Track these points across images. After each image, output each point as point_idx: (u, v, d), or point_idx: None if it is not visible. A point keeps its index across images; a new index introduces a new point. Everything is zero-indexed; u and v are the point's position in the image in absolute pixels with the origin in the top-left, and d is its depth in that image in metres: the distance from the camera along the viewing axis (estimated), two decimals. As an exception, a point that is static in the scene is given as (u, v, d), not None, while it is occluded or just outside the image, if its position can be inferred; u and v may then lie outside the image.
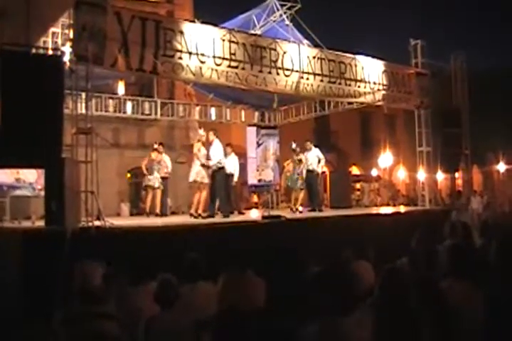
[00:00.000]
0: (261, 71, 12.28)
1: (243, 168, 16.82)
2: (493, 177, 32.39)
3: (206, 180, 12.59)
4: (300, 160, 14.89)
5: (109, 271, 5.32)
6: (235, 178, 15.00)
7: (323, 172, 17.27)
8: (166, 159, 14.89)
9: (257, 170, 18.05)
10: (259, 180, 18.20)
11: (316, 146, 15.37)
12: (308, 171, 14.90)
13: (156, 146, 14.88)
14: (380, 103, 15.29)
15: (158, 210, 14.25)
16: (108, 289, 4.99)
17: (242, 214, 15.00)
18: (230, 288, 5.68)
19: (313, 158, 14.99)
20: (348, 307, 4.11)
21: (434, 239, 6.99)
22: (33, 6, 16.83)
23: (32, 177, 11.93)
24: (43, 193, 9.87)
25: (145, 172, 14.52)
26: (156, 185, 14.45)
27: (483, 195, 22.69)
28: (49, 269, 7.11)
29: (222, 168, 12.91)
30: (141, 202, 17.95)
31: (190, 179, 12.84)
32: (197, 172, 12.64)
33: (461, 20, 70.31)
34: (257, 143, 18.53)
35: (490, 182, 31.88)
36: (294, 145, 15.16)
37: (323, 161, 15.28)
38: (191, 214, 12.60)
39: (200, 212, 12.43)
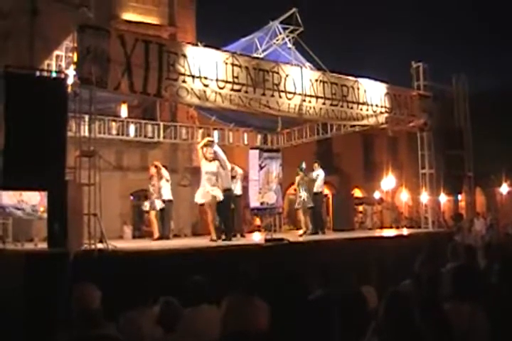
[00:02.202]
0: (264, 94, 12.32)
1: (245, 190, 16.78)
2: (496, 199, 32.32)
3: (218, 198, 12.29)
4: (312, 180, 14.87)
5: (110, 294, 5.28)
6: None
7: (326, 195, 17.25)
8: (164, 172, 14.66)
9: (260, 193, 17.98)
10: (262, 203, 18.12)
11: (322, 167, 15.37)
12: (315, 194, 14.87)
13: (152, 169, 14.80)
14: (383, 126, 15.31)
15: (156, 234, 14.11)
16: (108, 312, 4.96)
17: (244, 237, 14.90)
18: (233, 312, 5.62)
19: (320, 180, 15.00)
20: (355, 330, 4.09)
21: (437, 261, 6.97)
22: (37, 29, 17.03)
23: (35, 199, 11.91)
24: (45, 215, 9.87)
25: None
26: (158, 207, 14.36)
27: (486, 216, 22.64)
28: (51, 292, 7.08)
29: (229, 189, 12.87)
30: (143, 224, 17.91)
31: (198, 201, 12.59)
32: (204, 194, 12.33)
33: (461, 42, 70.77)
34: (260, 165, 18.50)
35: (493, 204, 31.79)
36: (303, 165, 15.12)
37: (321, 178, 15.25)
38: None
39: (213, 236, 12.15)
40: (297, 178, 15.15)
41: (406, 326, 4.21)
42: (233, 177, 14.25)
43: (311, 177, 14.94)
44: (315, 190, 14.90)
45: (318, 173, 15.10)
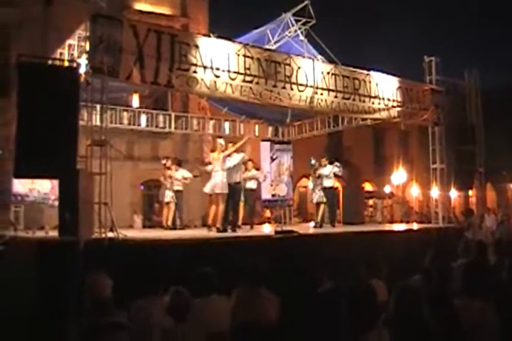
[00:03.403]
0: (275, 86, 12.29)
1: (259, 184, 16.76)
2: (507, 194, 32.25)
3: (225, 191, 12.39)
4: (319, 176, 14.86)
5: (120, 283, 5.30)
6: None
7: (336, 188, 17.20)
8: (177, 174, 14.82)
9: (271, 185, 17.99)
10: (273, 195, 18.13)
11: (330, 163, 15.31)
12: (324, 188, 14.85)
13: (163, 162, 14.91)
14: (396, 120, 15.25)
15: (169, 223, 14.28)
16: (119, 300, 4.98)
17: (253, 228, 14.93)
18: (243, 303, 5.65)
19: (329, 174, 14.95)
20: (365, 323, 4.09)
21: (447, 256, 6.95)
22: (49, 18, 17.02)
23: (46, 187, 11.97)
24: (56, 203, 9.92)
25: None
26: (166, 200, 14.54)
27: (497, 212, 22.56)
28: (62, 280, 7.12)
29: (239, 182, 12.89)
30: (154, 214, 17.97)
31: (207, 191, 12.67)
32: (214, 185, 12.39)
33: (472, 37, 70.37)
34: (271, 157, 18.50)
35: (504, 200, 31.71)
36: (313, 161, 15.11)
37: (339, 174, 15.24)
38: (208, 227, 12.52)
39: (218, 225, 12.30)
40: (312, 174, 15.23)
41: (415, 320, 4.22)
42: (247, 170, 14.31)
43: (323, 172, 14.89)
44: (326, 184, 14.85)
45: (331, 169, 15.01)
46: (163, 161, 15.01)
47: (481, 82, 17.49)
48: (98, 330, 4.08)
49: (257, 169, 15.42)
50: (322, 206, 14.95)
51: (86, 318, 4.46)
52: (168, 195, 14.50)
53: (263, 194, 18.66)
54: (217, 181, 12.24)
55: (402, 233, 13.98)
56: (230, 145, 12.83)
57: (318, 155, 15.69)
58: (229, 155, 12.61)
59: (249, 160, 14.53)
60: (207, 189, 12.53)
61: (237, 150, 12.86)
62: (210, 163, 12.82)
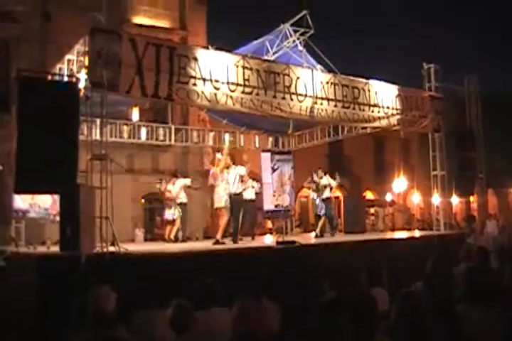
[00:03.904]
0: (275, 96, 12.33)
1: (258, 194, 16.76)
2: (508, 199, 32.22)
3: (224, 204, 12.51)
4: (320, 188, 14.95)
5: (122, 296, 5.30)
6: None
7: (337, 197, 17.25)
8: (176, 187, 14.91)
9: (274, 196, 17.98)
10: (276, 206, 18.13)
11: (325, 173, 15.40)
12: (323, 200, 14.92)
13: (158, 186, 15.19)
14: (396, 127, 15.27)
15: (172, 236, 14.31)
16: (121, 314, 4.98)
17: (254, 239, 14.96)
18: (244, 315, 5.64)
19: (326, 186, 15.02)
20: (367, 332, 4.09)
21: (449, 263, 6.95)
22: (48, 33, 17.17)
23: (47, 202, 11.98)
24: (58, 218, 9.92)
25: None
26: (171, 218, 14.64)
27: (498, 218, 22.52)
28: (64, 294, 7.11)
29: (239, 194, 12.93)
30: (155, 227, 17.97)
31: (216, 205, 12.79)
32: (215, 199, 12.58)
33: (473, 42, 70.48)
34: (272, 168, 18.50)
35: (505, 205, 31.66)
36: (315, 177, 15.16)
37: (333, 185, 15.30)
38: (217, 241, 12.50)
39: (217, 237, 12.31)
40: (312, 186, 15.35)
41: (418, 328, 4.21)
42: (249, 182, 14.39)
43: (323, 184, 14.96)
44: (324, 195, 14.93)
45: (329, 180, 15.10)
46: (158, 186, 15.15)
47: (481, 87, 17.55)
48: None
49: (254, 179, 15.41)
50: (323, 218, 15.02)
51: (88, 332, 4.46)
52: (173, 214, 14.58)
53: (265, 204, 18.64)
54: (218, 195, 12.39)
55: (404, 241, 13.97)
56: (228, 158, 12.91)
57: (318, 164, 15.78)
58: (227, 168, 12.68)
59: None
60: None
61: (235, 163, 12.90)
62: (213, 178, 12.94)
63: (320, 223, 15.09)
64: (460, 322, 4.55)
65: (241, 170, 12.92)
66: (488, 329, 4.59)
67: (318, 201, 15.10)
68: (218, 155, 13.18)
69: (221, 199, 12.42)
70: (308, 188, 15.96)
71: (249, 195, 14.86)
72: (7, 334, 7.12)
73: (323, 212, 14.95)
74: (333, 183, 15.15)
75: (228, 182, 12.58)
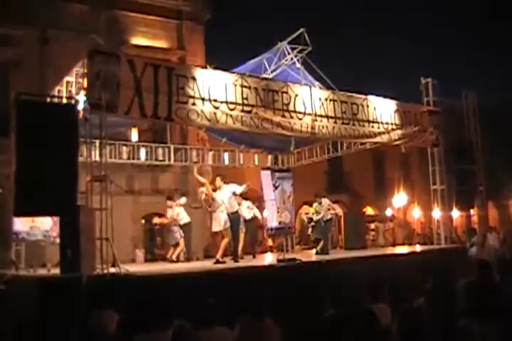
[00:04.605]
0: (275, 114, 12.37)
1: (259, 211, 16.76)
2: (509, 211, 32.17)
3: (220, 228, 12.61)
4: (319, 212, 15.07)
5: (123, 318, 5.28)
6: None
7: (337, 214, 17.33)
8: (180, 210, 15.01)
9: (277, 212, 17.97)
10: (280, 223, 18.11)
11: (323, 196, 15.71)
12: (324, 221, 14.99)
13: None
14: (395, 143, 15.29)
15: (174, 257, 14.32)
16: (122, 335, 4.95)
17: (255, 258, 14.96)
18: (246, 334, 5.62)
19: (326, 209, 15.11)
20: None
21: (450, 277, 6.93)
22: (47, 56, 17.26)
23: (47, 224, 11.97)
24: (58, 240, 9.91)
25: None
26: (173, 242, 14.75)
27: (499, 231, 22.46)
28: (64, 317, 7.08)
29: (236, 212, 12.93)
30: (155, 248, 17.94)
31: (213, 229, 12.87)
32: (218, 221, 12.70)
33: (470, 56, 70.81)
34: (274, 185, 18.48)
35: (506, 218, 31.61)
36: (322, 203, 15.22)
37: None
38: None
39: (217, 256, 12.35)
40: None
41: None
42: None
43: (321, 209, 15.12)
44: (324, 218, 15.06)
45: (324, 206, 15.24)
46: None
47: (479, 101, 17.62)
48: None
49: (246, 199, 15.43)
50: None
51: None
52: (177, 237, 14.64)
53: (269, 222, 18.59)
54: (216, 219, 12.70)
55: (405, 256, 13.95)
56: (218, 179, 13.25)
57: (318, 181, 15.78)
58: (219, 188, 12.78)
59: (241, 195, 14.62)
60: None
61: (227, 182, 13.07)
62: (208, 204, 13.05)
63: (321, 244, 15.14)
64: (461, 337, 4.54)
65: (234, 187, 12.99)
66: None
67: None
68: (201, 178, 13.39)
69: (220, 222, 12.50)
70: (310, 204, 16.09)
71: (247, 214, 14.91)
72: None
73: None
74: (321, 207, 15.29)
75: (223, 202, 12.64)
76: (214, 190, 13.14)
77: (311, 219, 15.68)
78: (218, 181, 13.09)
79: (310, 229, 15.56)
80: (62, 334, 6.84)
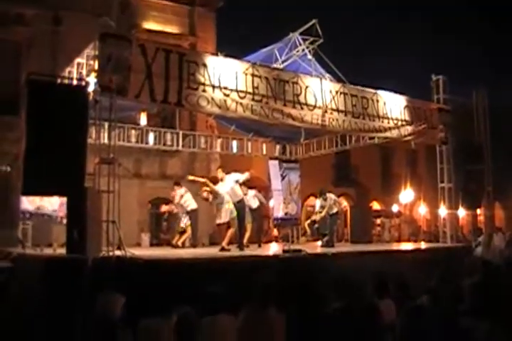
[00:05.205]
0: (285, 105, 12.31)
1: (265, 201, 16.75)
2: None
3: (225, 220, 12.56)
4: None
5: (130, 302, 5.27)
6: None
7: (343, 207, 17.32)
8: (187, 197, 15.00)
9: (284, 203, 17.99)
10: (286, 213, 18.13)
11: (328, 191, 15.53)
12: (330, 215, 14.92)
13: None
14: (405, 138, 15.20)
15: (179, 242, 14.35)
16: (128, 320, 4.95)
17: (261, 247, 14.97)
18: (250, 323, 5.60)
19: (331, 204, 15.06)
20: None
21: (455, 276, 6.91)
22: (59, 37, 17.21)
23: (55, 204, 11.98)
24: (65, 221, 9.91)
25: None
26: (180, 230, 14.84)
27: (505, 231, 22.41)
28: (70, 297, 7.09)
29: (241, 201, 12.89)
30: (161, 232, 17.97)
31: (220, 221, 12.81)
32: (224, 212, 12.59)
33: (482, 54, 70.35)
34: (281, 175, 18.49)
35: (512, 218, 31.52)
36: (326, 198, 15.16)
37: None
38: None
39: (223, 244, 12.33)
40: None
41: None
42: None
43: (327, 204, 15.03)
44: (330, 212, 14.97)
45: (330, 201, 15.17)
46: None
47: (490, 99, 17.51)
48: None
49: (253, 188, 15.43)
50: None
51: (95, 336, 4.44)
52: (184, 223, 14.69)
53: (275, 212, 18.65)
54: (221, 211, 12.54)
55: (410, 252, 13.88)
56: (219, 170, 13.21)
57: (325, 174, 15.71)
58: (221, 179, 12.75)
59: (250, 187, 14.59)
60: None
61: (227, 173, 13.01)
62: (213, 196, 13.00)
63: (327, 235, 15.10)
64: (465, 336, 4.52)
65: (236, 176, 12.92)
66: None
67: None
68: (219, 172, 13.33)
69: (226, 214, 12.44)
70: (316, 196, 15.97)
71: (253, 203, 14.90)
72: (13, 337, 7.09)
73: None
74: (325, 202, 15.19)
75: (228, 193, 12.59)
76: (217, 183, 13.05)
77: (314, 222, 15.59)
78: (220, 173, 13.04)
79: (316, 225, 15.46)
80: (67, 314, 6.84)
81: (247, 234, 14.09)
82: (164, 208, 16.09)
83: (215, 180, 13.23)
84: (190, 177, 14.22)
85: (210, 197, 12.82)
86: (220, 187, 12.70)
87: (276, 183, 18.52)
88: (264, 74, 12.20)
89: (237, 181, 12.99)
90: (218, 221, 12.64)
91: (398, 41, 60.63)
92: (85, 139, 9.05)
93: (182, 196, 14.93)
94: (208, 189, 12.85)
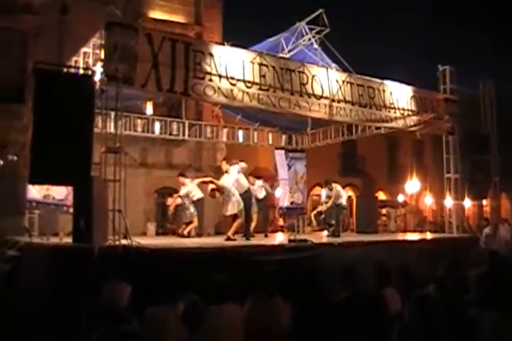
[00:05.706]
0: (292, 94, 12.29)
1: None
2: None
3: (232, 212, 12.56)
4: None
5: (136, 291, 5.29)
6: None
7: (349, 197, 17.30)
8: (192, 187, 15.02)
9: (290, 193, 18.00)
10: (292, 203, 18.15)
11: (334, 181, 15.46)
12: (336, 205, 14.90)
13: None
14: (411, 129, 15.16)
15: (185, 232, 14.38)
16: (134, 308, 4.97)
17: (267, 237, 15.00)
18: (256, 311, 5.63)
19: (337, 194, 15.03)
20: (377, 332, 4.07)
21: (462, 266, 6.91)
22: (66, 26, 17.19)
23: (61, 193, 12.00)
24: (71, 210, 9.94)
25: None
26: (187, 220, 14.83)
27: (511, 222, 22.38)
28: (76, 286, 7.13)
29: (247, 191, 12.89)
30: (167, 222, 17.99)
31: (227, 213, 12.80)
32: (231, 204, 12.57)
33: (489, 44, 69.95)
34: (288, 165, 18.51)
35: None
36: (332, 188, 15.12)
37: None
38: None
39: (229, 234, 12.37)
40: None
41: (430, 331, 4.19)
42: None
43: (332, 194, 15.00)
44: (337, 202, 14.95)
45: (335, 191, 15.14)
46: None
47: (497, 90, 17.43)
48: (113, 339, 4.08)
49: (258, 177, 15.45)
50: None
51: (101, 325, 4.45)
52: (191, 214, 14.73)
53: (281, 201, 18.67)
54: (227, 204, 12.50)
55: (416, 242, 13.87)
56: (224, 163, 13.10)
57: (331, 163, 15.68)
58: (226, 172, 12.76)
59: (257, 177, 14.59)
60: None
61: (231, 164, 12.96)
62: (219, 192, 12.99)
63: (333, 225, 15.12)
64: (472, 326, 4.52)
65: (235, 169, 12.89)
66: (501, 335, 4.55)
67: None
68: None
69: (232, 206, 12.42)
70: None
71: (260, 194, 14.93)
72: (19, 324, 7.14)
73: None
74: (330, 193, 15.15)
75: (233, 186, 12.58)
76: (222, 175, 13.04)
77: (320, 213, 15.57)
78: (224, 165, 12.99)
79: (323, 216, 15.46)
80: (73, 303, 6.88)
81: (253, 224, 14.12)
82: (170, 202, 16.07)
83: (220, 172, 13.24)
84: (197, 181, 14.23)
85: (217, 194, 12.81)
86: (225, 180, 12.68)
87: (282, 173, 18.53)
88: (271, 63, 12.17)
89: (242, 169, 13.01)
90: (227, 213, 12.63)
91: (405, 31, 60.43)
92: (92, 128, 9.04)
93: (187, 186, 14.94)
94: (214, 186, 12.85)
